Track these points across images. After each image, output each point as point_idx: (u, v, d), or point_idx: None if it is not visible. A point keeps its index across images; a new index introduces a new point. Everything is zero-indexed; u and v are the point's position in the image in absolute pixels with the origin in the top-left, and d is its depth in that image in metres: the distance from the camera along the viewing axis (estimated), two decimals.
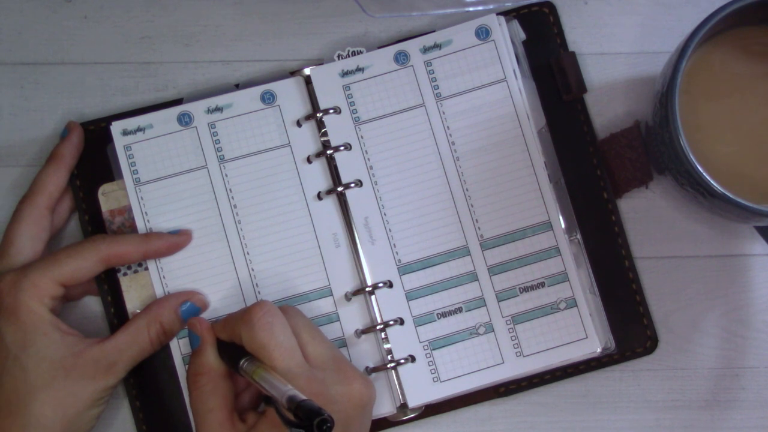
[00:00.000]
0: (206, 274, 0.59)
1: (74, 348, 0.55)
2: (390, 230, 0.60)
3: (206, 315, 0.59)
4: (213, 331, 0.56)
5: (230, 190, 0.60)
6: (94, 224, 0.61)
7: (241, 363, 0.52)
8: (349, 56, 0.62)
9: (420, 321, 0.59)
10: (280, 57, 0.64)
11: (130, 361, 0.56)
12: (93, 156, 0.61)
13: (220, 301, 0.59)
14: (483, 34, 0.61)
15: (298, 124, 0.61)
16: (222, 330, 0.55)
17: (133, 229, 0.60)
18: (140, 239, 0.58)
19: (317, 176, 0.60)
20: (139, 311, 0.59)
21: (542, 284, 0.60)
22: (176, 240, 0.59)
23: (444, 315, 0.60)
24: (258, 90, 0.61)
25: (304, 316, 0.56)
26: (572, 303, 0.60)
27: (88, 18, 0.64)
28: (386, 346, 0.59)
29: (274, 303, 0.59)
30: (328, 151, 0.60)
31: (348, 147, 0.60)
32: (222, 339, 0.55)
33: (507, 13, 0.62)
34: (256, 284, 0.60)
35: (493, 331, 0.59)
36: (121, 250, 0.57)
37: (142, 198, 0.60)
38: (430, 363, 0.59)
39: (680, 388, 0.61)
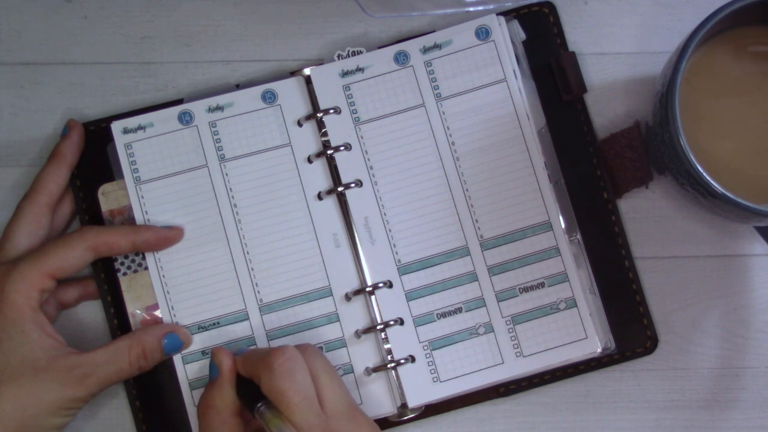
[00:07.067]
0: (206, 274, 0.59)
1: (50, 352, 0.54)
2: (390, 230, 0.60)
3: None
4: (235, 368, 0.54)
5: (230, 189, 0.60)
6: (94, 224, 0.60)
7: (258, 406, 0.52)
8: (349, 56, 0.62)
9: (420, 321, 0.59)
10: (280, 57, 0.64)
11: (105, 378, 0.55)
12: (93, 156, 0.61)
13: (219, 301, 0.59)
14: (483, 34, 0.61)
15: (299, 123, 0.61)
16: (242, 367, 0.54)
17: None
18: (130, 229, 0.58)
19: (317, 176, 0.60)
20: (138, 311, 0.59)
21: (542, 284, 0.60)
22: (167, 233, 0.59)
23: (444, 315, 0.59)
24: (259, 89, 0.61)
25: (324, 357, 0.55)
26: (572, 303, 0.59)
27: (88, 18, 0.64)
28: (386, 346, 0.59)
29: (274, 304, 0.59)
30: (329, 151, 0.60)
31: (348, 147, 0.60)
32: (240, 374, 0.55)
33: (507, 13, 0.62)
34: (256, 284, 0.60)
35: (493, 331, 0.59)
36: (109, 238, 0.57)
37: (142, 197, 0.60)
38: (430, 363, 0.59)
39: (680, 388, 0.61)
